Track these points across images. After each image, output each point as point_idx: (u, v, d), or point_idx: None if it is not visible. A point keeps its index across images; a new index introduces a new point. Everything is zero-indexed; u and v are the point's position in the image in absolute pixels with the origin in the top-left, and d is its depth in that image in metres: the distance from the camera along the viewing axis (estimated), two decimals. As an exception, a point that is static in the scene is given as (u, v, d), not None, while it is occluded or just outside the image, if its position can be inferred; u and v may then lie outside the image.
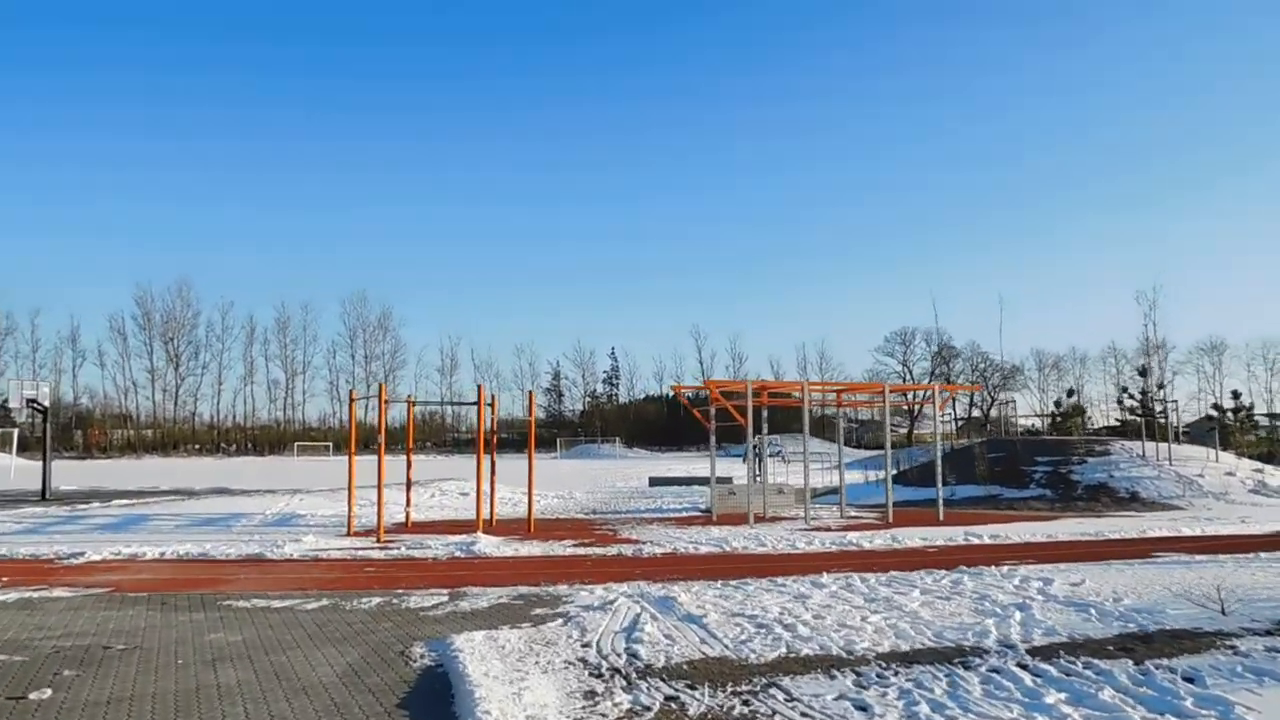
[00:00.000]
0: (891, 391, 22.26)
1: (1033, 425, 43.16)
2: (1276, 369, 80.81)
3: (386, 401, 19.11)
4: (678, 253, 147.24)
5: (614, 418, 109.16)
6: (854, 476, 37.42)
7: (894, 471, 38.80)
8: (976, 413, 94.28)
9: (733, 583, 12.39)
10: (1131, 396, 37.34)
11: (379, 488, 18.83)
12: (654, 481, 38.83)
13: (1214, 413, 40.48)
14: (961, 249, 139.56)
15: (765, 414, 26.30)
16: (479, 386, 19.72)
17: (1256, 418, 40.90)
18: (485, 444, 20.60)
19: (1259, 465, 28.26)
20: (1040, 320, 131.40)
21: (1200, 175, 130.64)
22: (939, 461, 22.70)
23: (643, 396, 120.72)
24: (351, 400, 20.34)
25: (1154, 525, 19.97)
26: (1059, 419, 36.48)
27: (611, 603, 10.82)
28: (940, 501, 22.41)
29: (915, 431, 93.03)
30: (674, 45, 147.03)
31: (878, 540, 17.29)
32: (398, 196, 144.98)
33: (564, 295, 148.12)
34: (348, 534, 19.39)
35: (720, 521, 22.07)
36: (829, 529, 20.00)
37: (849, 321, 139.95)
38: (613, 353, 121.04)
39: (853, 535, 18.29)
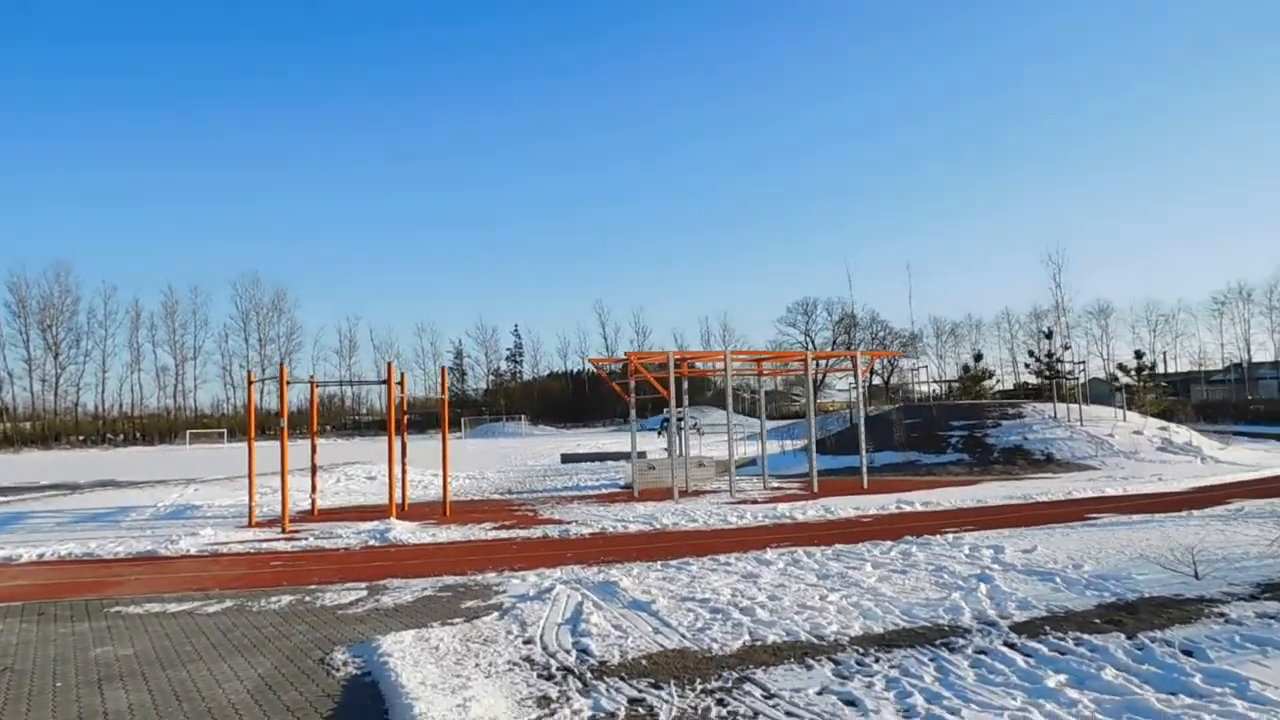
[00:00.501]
0: (815, 359, 21.76)
1: (934, 390, 43.77)
2: (1160, 331, 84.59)
3: (288, 382, 17.74)
4: (580, 229, 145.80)
5: (519, 395, 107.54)
6: (770, 447, 37.26)
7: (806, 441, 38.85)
8: (877, 380, 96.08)
9: (673, 563, 11.67)
10: (1038, 359, 37.90)
11: (283, 474, 17.51)
12: (566, 458, 37.95)
13: (1118, 373, 41.66)
14: (860, 218, 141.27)
15: (686, 385, 25.62)
16: (389, 364, 18.50)
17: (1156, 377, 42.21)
18: (395, 425, 19.37)
19: (1164, 424, 28.94)
20: (937, 289, 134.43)
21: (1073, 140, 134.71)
22: (862, 430, 22.43)
23: (547, 374, 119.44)
24: (249, 382, 18.86)
25: (1075, 486, 20.05)
26: (968, 383, 36.89)
27: (548, 591, 9.95)
28: (864, 469, 22.13)
29: (819, 401, 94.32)
30: (578, 15, 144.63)
31: (810, 511, 16.81)
32: (289, 175, 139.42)
33: (465, 273, 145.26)
34: (249, 525, 18.01)
35: (643, 498, 21.35)
36: (755, 501, 19.48)
37: (751, 294, 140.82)
38: (515, 330, 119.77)
39: (783, 507, 17.78)
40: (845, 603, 8.71)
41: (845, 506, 17.47)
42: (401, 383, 18.52)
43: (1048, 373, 36.30)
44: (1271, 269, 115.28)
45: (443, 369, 21.37)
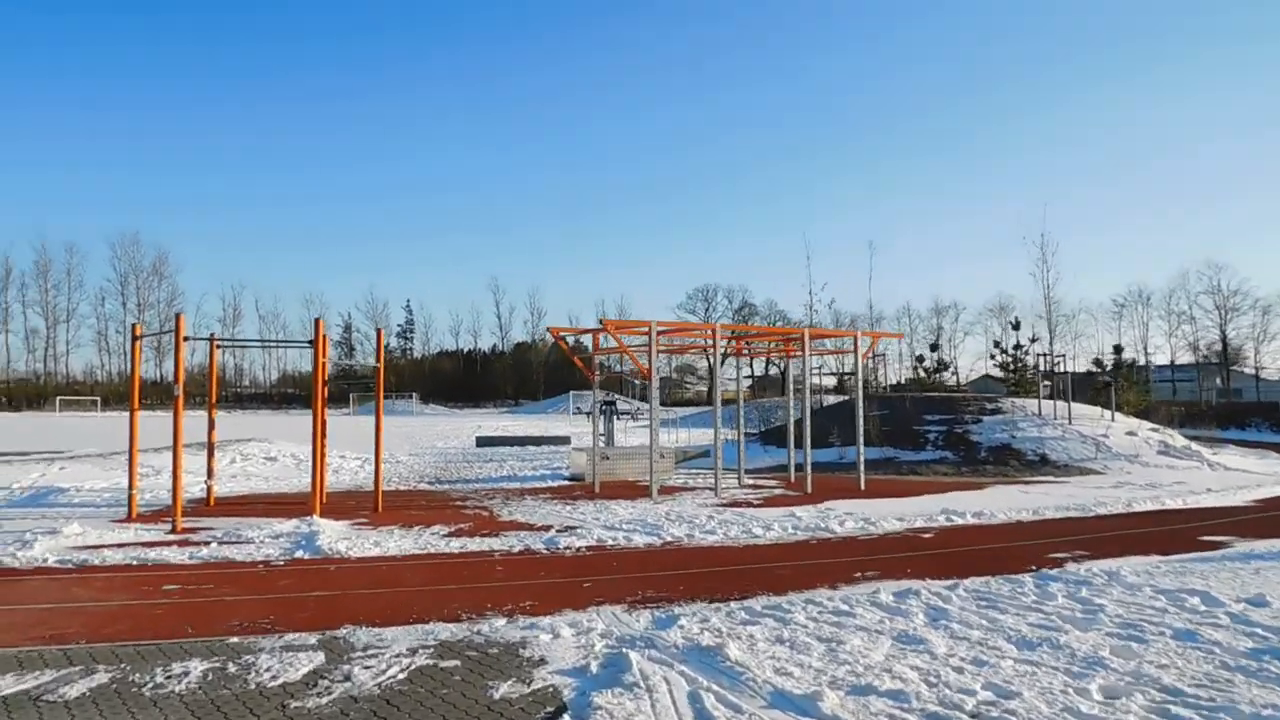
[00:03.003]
0: (812, 338, 18.44)
1: (892, 381, 41.67)
2: (1059, 331, 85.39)
3: (185, 338, 13.25)
4: (477, 207, 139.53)
5: (409, 373, 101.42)
6: (699, 437, 33.95)
7: (754, 431, 35.70)
8: (774, 370, 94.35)
9: (755, 605, 8.06)
10: (1004, 351, 35.78)
11: (175, 455, 13.00)
12: (482, 442, 33.73)
13: (1094, 369, 40.22)
14: (760, 201, 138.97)
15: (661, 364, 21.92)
16: (317, 321, 14.17)
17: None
18: (319, 397, 14.97)
19: (1153, 425, 26.94)
20: (836, 279, 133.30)
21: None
22: (860, 421, 19.21)
23: (438, 351, 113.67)
24: (135, 336, 14.23)
25: (1111, 495, 17.28)
26: (925, 374, 34.48)
27: (616, 662, 6.20)
28: (862, 468, 18.95)
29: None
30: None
31: (838, 522, 13.37)
32: (172, 129, 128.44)
33: (356, 245, 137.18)
34: (129, 519, 13.53)
35: (606, 494, 17.61)
36: (751, 504, 15.98)
37: (649, 278, 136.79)
38: (408, 306, 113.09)
39: (800, 513, 14.32)
40: (1140, 706, 5.25)
41: (873, 514, 14.13)
42: (323, 344, 14.20)
43: (1014, 366, 34.20)
44: (1171, 273, 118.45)
45: (378, 330, 17.12)
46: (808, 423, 18.66)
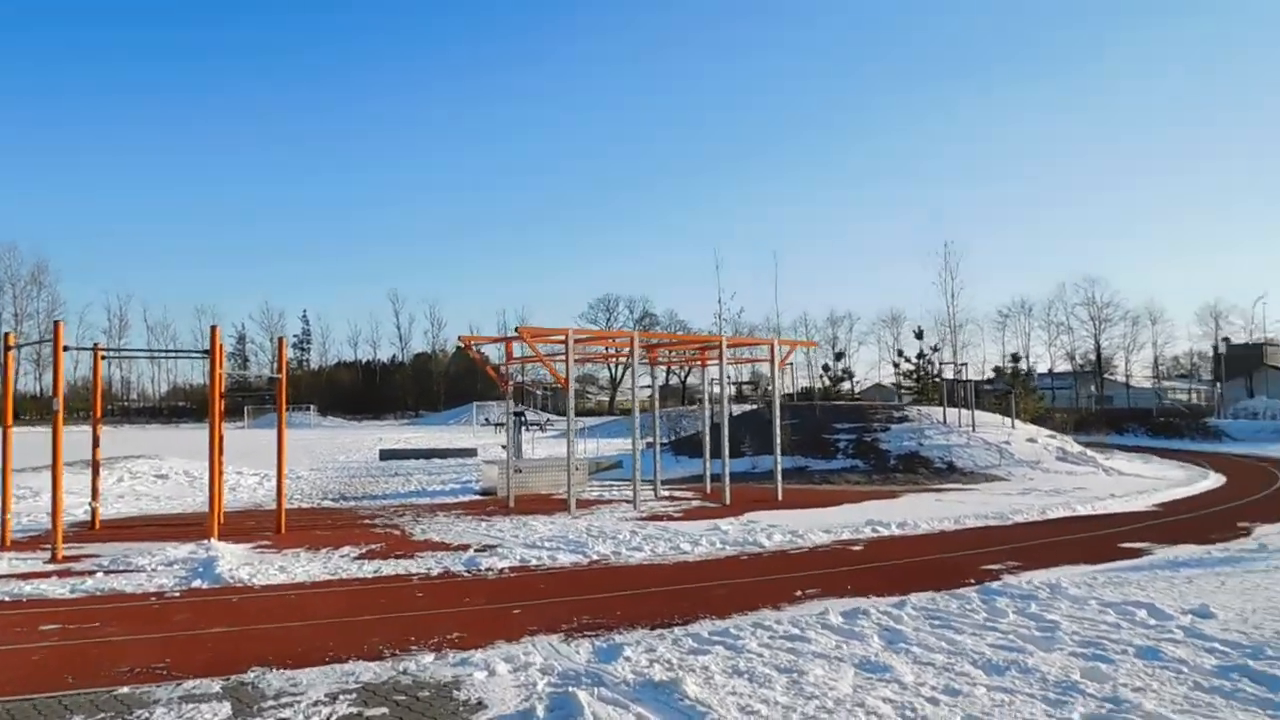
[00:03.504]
0: (730, 346, 18.10)
1: (737, 391, 41.48)
2: (930, 340, 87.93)
3: (65, 348, 12.01)
4: (374, 219, 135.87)
5: (306, 384, 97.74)
6: (606, 447, 33.39)
7: (664, 441, 35.26)
8: (674, 380, 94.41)
9: (701, 631, 7.57)
10: (908, 359, 36.23)
11: (55, 474, 11.74)
12: (385, 455, 32.45)
13: (992, 375, 41.01)
14: (663, 212, 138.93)
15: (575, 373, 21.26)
16: (213, 329, 13.06)
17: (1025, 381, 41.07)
18: (211, 409, 13.80)
19: (1050, 432, 27.48)
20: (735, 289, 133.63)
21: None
22: (777, 430, 18.93)
23: (335, 363, 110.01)
24: (7, 346, 12.87)
25: (1019, 501, 17.36)
26: (830, 383, 34.66)
27: (565, 705, 5.59)
28: (779, 478, 18.67)
29: (616, 398, 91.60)
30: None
31: (776, 537, 12.97)
32: (55, 136, 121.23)
33: (249, 253, 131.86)
34: (2, 547, 12.16)
35: (522, 509, 16.89)
36: (671, 517, 15.48)
37: (549, 290, 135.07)
38: (304, 316, 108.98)
39: (724, 526, 13.89)
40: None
41: (798, 526, 13.81)
42: (219, 355, 13.12)
43: (917, 375, 34.69)
44: (1051, 286, 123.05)
45: (279, 338, 16.02)
46: (726, 432, 18.31)
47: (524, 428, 24.55)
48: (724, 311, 29.63)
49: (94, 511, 14.06)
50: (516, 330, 15.06)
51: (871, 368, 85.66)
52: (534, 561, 11.12)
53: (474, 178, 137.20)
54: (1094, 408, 45.98)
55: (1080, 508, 17.24)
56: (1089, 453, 25.50)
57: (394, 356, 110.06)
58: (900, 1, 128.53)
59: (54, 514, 11.37)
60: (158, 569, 10.48)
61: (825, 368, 34.62)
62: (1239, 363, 69.47)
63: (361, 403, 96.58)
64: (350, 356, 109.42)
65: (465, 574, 10.41)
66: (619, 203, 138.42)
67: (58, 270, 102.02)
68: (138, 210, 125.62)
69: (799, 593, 9.32)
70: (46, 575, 10.11)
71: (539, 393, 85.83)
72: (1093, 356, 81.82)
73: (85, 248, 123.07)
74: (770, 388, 22.66)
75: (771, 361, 18.85)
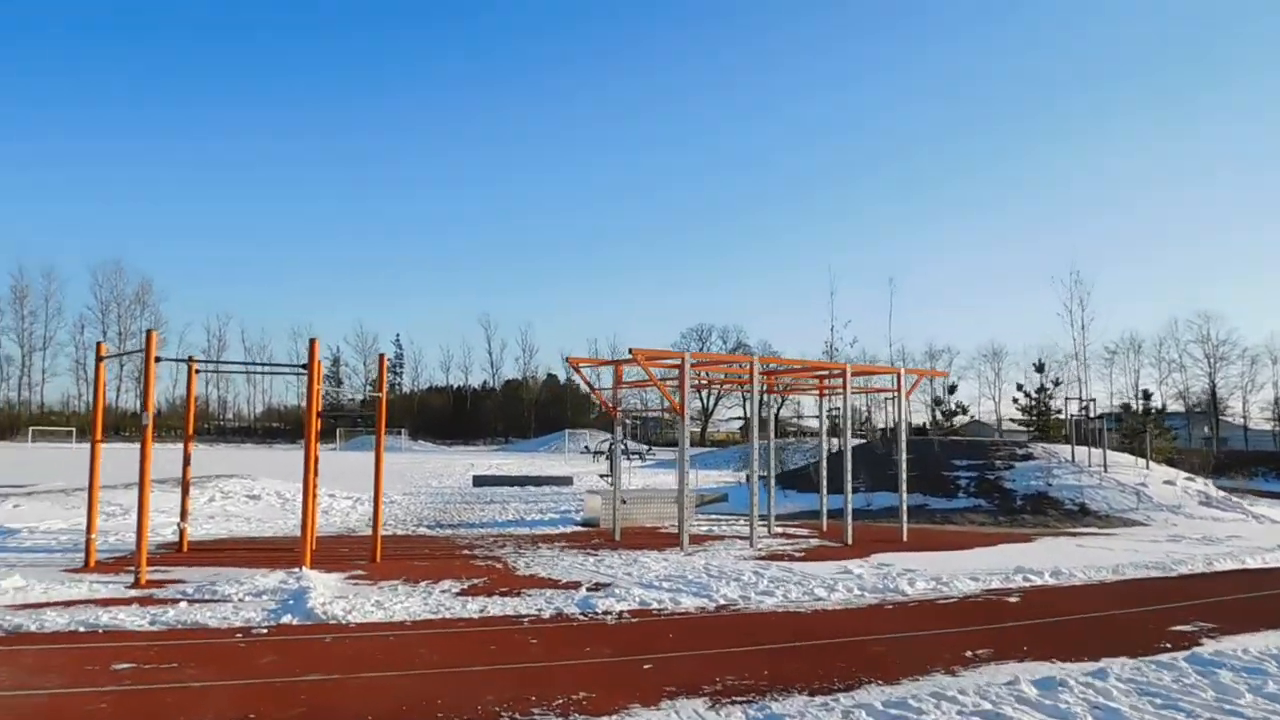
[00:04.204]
0: (854, 374, 16.64)
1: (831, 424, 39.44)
2: (1049, 374, 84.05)
3: (156, 359, 11.30)
4: (468, 241, 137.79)
5: (398, 408, 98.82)
6: (703, 479, 31.98)
7: (765, 474, 33.70)
8: (767, 413, 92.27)
9: (868, 701, 6.19)
10: (1027, 394, 34.07)
11: (142, 493, 10.95)
12: (479, 481, 31.65)
13: (1121, 413, 38.57)
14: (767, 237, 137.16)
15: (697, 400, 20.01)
16: (312, 342, 12.24)
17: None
18: (307, 426, 12.90)
19: (1187, 475, 25.18)
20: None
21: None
22: (903, 465, 17.30)
23: (427, 387, 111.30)
24: (99, 357, 12.27)
25: (1173, 551, 15.41)
26: (943, 417, 32.79)
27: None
28: (905, 518, 17.04)
29: (708, 430, 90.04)
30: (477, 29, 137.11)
31: (919, 585, 11.41)
32: (160, 158, 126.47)
33: (346, 279, 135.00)
34: (85, 568, 11.45)
35: (628, 543, 15.64)
36: (791, 557, 14.06)
37: (640, 318, 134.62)
38: (397, 340, 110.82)
39: (854, 569, 12.40)
40: None
41: (937, 571, 12.18)
42: (317, 371, 12.25)
43: (1036, 410, 32.51)
44: (1161, 322, 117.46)
45: (381, 356, 15.17)
46: (849, 466, 16.76)
47: (625, 457, 23.36)
48: (835, 340, 27.99)
49: (182, 532, 13.32)
50: (630, 352, 13.90)
51: (971, 402, 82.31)
52: (655, 605, 9.81)
53: (566, 202, 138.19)
54: (1212, 449, 42.56)
55: (1249, 560, 15.18)
56: (1232, 499, 23.07)
57: (485, 382, 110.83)
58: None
59: (139, 536, 10.55)
60: (245, 600, 9.53)
61: (937, 401, 32.52)
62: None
63: (452, 428, 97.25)
64: (441, 381, 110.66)
65: (581, 617, 9.16)
66: (713, 230, 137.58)
67: (162, 290, 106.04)
68: (236, 230, 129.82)
69: (969, 653, 7.80)
70: (127, 602, 9.23)
71: (627, 421, 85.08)
72: (1206, 396, 77.03)
73: (188, 268, 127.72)
74: (866, 421, 21.22)
75: (898, 392, 17.28)
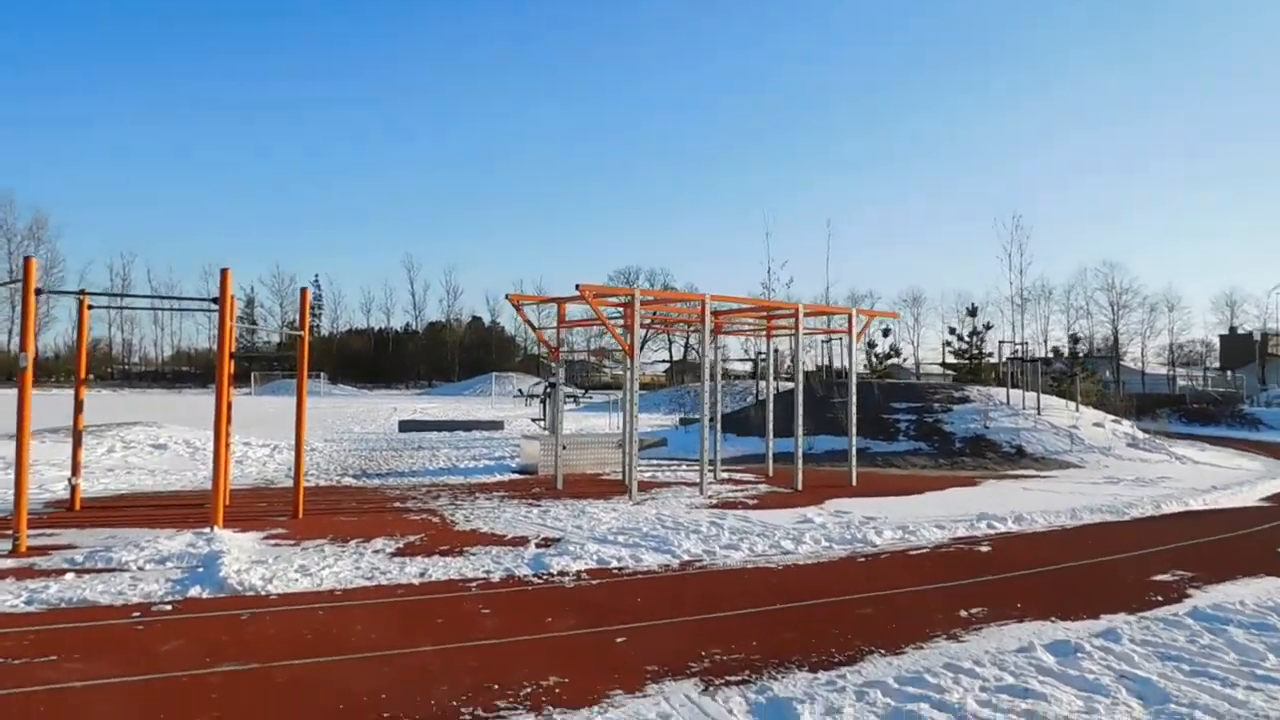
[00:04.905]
0: (806, 315, 15.84)
1: (754, 368, 39.10)
2: (965, 323, 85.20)
3: (37, 291, 9.73)
4: (387, 182, 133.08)
5: (318, 351, 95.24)
6: (642, 422, 31.12)
7: (696, 418, 33.00)
8: (693, 355, 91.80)
9: (878, 676, 5.41)
10: (960, 338, 33.95)
11: (20, 443, 9.47)
12: (405, 426, 30.26)
13: (1051, 356, 38.74)
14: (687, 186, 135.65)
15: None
16: (223, 272, 10.74)
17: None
18: (220, 368, 11.42)
19: (1114, 417, 25.21)
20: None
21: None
22: (853, 408, 16.68)
23: (347, 329, 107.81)
24: (-31, 292, 10.58)
25: (1119, 494, 15.10)
26: (877, 361, 32.45)
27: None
28: (854, 461, 16.47)
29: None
30: None
31: (886, 534, 10.68)
32: (52, 85, 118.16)
33: (259, 214, 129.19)
34: (-47, 532, 9.93)
35: (573, 492, 14.69)
36: (745, 504, 13.29)
37: (565, 261, 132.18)
38: (316, 281, 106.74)
39: (814, 517, 11.68)
40: None
41: (900, 519, 11.49)
42: (230, 306, 10.79)
43: (969, 354, 32.40)
44: (1072, 270, 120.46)
45: (304, 290, 13.74)
46: (800, 411, 16.06)
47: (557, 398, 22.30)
48: (772, 282, 27.26)
49: (74, 489, 11.82)
50: (577, 288, 12.75)
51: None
52: (614, 563, 8.87)
53: (492, 145, 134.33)
54: (1118, 393, 43.58)
55: (1192, 502, 15.01)
56: (1155, 440, 23.30)
57: (407, 325, 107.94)
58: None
59: (18, 493, 9.12)
60: (145, 568, 8.26)
61: (871, 345, 32.13)
62: (1241, 351, 67.55)
63: (373, 371, 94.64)
64: (362, 323, 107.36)
65: (535, 579, 8.17)
66: (639, 175, 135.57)
67: (58, 225, 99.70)
68: (143, 165, 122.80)
69: (963, 613, 7.10)
70: (1, 575, 7.88)
71: (553, 364, 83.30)
72: (1110, 342, 79.62)
73: (88, 203, 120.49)
74: (791, 364, 20.56)
75: (850, 333, 16.55)
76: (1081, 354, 35.19)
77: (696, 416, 35.93)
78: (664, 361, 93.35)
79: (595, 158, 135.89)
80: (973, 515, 11.90)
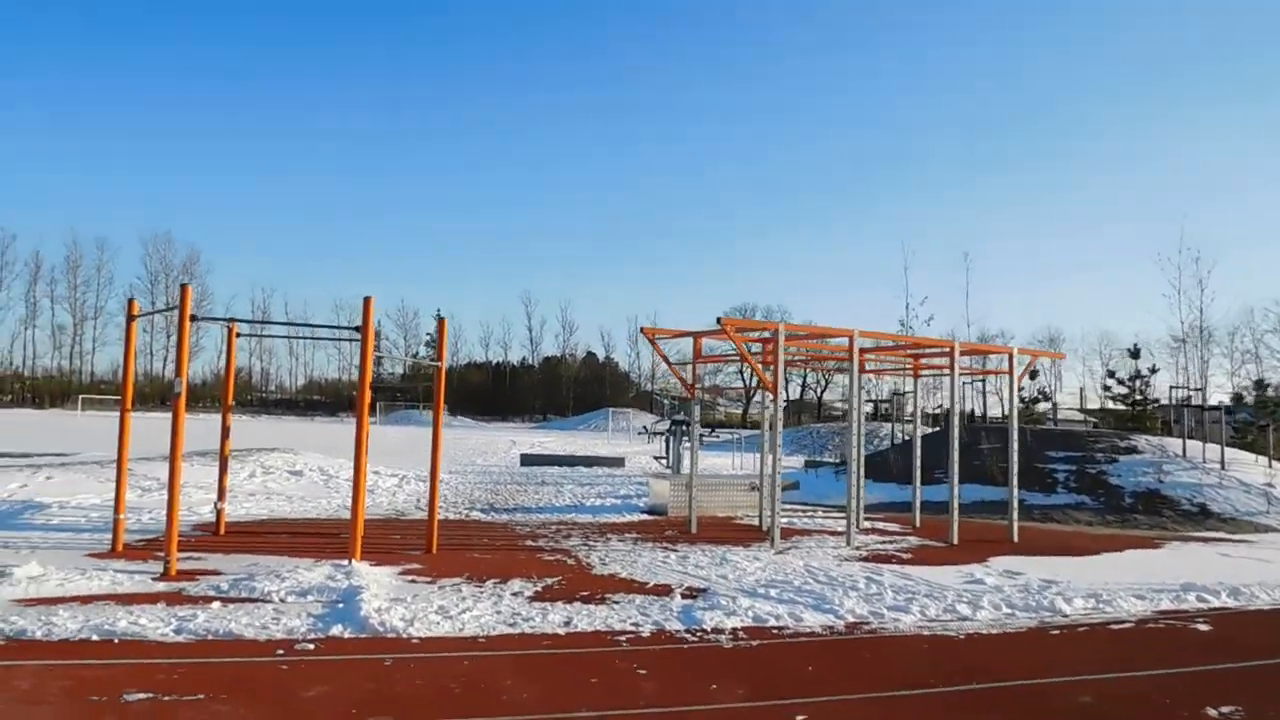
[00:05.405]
0: (962, 354, 14.82)
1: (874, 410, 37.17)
2: (1111, 363, 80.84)
3: (191, 318, 9.80)
4: (509, 219, 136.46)
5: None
6: (756, 462, 30.20)
7: (820, 460, 31.91)
8: (810, 395, 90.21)
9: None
10: (1120, 382, 31.78)
11: (173, 468, 9.48)
12: (527, 460, 30.18)
13: (1232, 404, 36.15)
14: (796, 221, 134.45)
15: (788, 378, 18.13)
16: (366, 300, 10.65)
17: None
18: (360, 396, 11.32)
19: None
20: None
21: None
22: (1014, 454, 15.50)
23: (466, 363, 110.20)
24: (130, 316, 10.83)
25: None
26: (1024, 405, 30.69)
27: None
28: (1014, 515, 15.28)
29: (749, 412, 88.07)
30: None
31: (1076, 602, 9.56)
32: (206, 129, 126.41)
33: (389, 250, 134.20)
34: (112, 551, 10.07)
35: (708, 536, 14.02)
36: (898, 558, 12.32)
37: (677, 298, 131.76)
38: (438, 314, 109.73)
39: (984, 577, 10.56)
40: None
41: (1087, 584, 10.30)
42: (368, 337, 10.65)
43: (1130, 399, 30.20)
44: (1235, 309, 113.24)
45: (441, 319, 13.64)
46: (955, 456, 14.99)
47: (685, 439, 21.74)
48: (910, 319, 25.99)
49: (219, 513, 11.87)
50: (718, 321, 12.18)
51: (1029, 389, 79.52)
52: (771, 621, 8.13)
53: (609, 178, 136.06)
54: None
55: None
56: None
57: (524, 359, 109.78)
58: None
59: (169, 519, 9.08)
60: (287, 599, 8.02)
61: (1020, 388, 30.24)
62: None
63: (490, 404, 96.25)
64: (481, 357, 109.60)
65: (687, 636, 7.52)
66: (756, 209, 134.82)
67: (209, 262, 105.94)
68: (282, 203, 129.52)
69: (1212, 711, 6.00)
70: (153, 599, 7.76)
71: (666, 401, 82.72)
72: (1280, 388, 73.53)
73: (233, 242, 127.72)
74: (912, 408, 19.38)
75: (1010, 373, 15.41)
76: (1273, 401, 31.90)
77: (823, 459, 34.74)
78: (785, 400, 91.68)
79: (703, 189, 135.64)
80: (1173, 585, 10.58)
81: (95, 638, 6.58)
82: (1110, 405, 33.44)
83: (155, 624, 6.90)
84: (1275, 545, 15.62)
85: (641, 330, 14.45)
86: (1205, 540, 15.90)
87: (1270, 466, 22.00)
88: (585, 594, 8.95)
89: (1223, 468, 20.70)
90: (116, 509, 10.45)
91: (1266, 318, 73.33)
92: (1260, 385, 41.51)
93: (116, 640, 6.55)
